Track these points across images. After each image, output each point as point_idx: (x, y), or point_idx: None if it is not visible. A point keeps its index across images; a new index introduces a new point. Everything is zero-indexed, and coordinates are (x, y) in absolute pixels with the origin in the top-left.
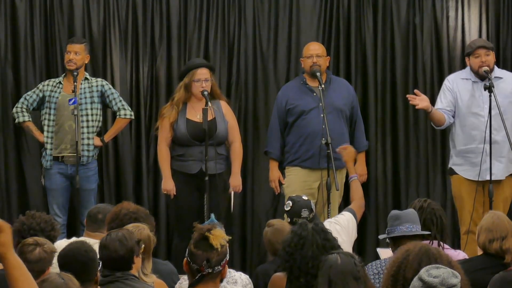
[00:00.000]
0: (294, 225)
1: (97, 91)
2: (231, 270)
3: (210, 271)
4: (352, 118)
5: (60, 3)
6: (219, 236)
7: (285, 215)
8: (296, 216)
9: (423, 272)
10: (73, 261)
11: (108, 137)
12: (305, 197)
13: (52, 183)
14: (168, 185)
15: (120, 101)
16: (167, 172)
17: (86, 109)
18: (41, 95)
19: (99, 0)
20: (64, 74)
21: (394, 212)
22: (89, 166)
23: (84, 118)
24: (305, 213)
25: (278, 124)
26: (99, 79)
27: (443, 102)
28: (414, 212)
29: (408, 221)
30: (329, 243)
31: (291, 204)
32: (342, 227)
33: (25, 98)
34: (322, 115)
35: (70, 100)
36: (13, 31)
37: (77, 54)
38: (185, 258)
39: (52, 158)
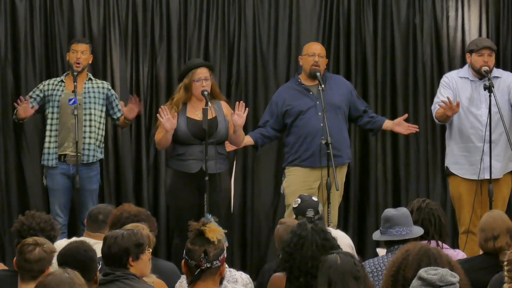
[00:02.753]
0: None
1: (103, 93)
2: (232, 270)
3: (208, 265)
4: (357, 108)
5: (60, 3)
6: (215, 230)
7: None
8: (300, 214)
9: (422, 272)
10: (72, 260)
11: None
12: (315, 198)
13: (54, 183)
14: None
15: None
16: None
17: (90, 108)
18: (41, 95)
19: (99, 0)
20: (66, 72)
21: (386, 213)
22: (92, 167)
23: (88, 117)
24: (310, 213)
25: (269, 118)
26: (104, 82)
27: (444, 95)
28: (405, 213)
29: (398, 224)
30: (328, 243)
31: (299, 202)
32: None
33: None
34: (320, 114)
35: (70, 100)
36: (13, 31)
37: (83, 53)
38: (183, 259)
39: (57, 156)
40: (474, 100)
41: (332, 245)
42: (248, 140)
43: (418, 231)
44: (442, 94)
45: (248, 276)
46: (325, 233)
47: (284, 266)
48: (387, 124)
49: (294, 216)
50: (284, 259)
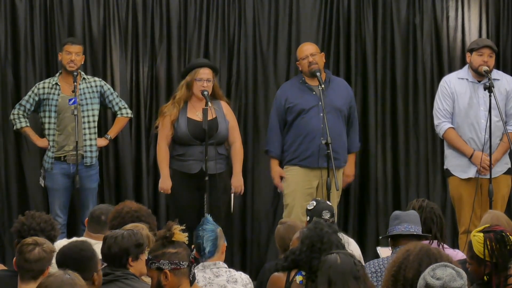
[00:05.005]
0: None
1: (97, 91)
2: (231, 270)
3: (193, 258)
4: (348, 118)
5: (60, 3)
6: (177, 228)
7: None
8: (316, 216)
9: (428, 272)
10: (67, 258)
11: (113, 135)
12: (329, 203)
13: (54, 183)
14: (165, 184)
15: (120, 101)
16: (166, 171)
17: (88, 110)
18: (36, 98)
19: (99, 0)
20: (58, 73)
21: (396, 212)
22: (92, 166)
23: (86, 119)
24: (326, 214)
25: (278, 122)
26: (96, 79)
27: (443, 104)
28: (415, 214)
29: (407, 221)
30: (342, 242)
31: (314, 204)
32: None
33: (21, 104)
34: (321, 114)
35: (70, 100)
36: (13, 31)
37: (78, 55)
38: (169, 270)
39: (54, 160)
40: (473, 102)
41: (343, 245)
42: (276, 163)
43: (425, 232)
44: (443, 102)
45: (248, 276)
46: (338, 231)
47: (310, 265)
48: (348, 163)
49: (308, 218)
50: (314, 257)
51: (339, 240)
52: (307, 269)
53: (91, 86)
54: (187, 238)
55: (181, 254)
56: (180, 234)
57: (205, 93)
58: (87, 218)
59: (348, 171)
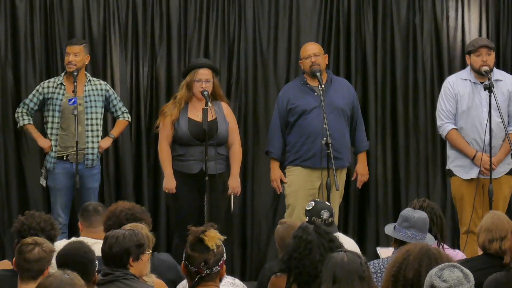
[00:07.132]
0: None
1: (102, 95)
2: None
3: (208, 272)
4: (353, 117)
5: (60, 3)
6: (214, 237)
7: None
8: (315, 216)
9: (436, 272)
10: (72, 261)
11: (116, 135)
12: (328, 203)
13: (56, 183)
14: (170, 184)
15: (123, 105)
16: (169, 171)
17: (92, 112)
18: (41, 98)
19: (99, 0)
20: (64, 72)
21: (407, 213)
22: (94, 165)
23: (89, 121)
24: (325, 214)
25: (279, 123)
26: (102, 82)
27: (446, 105)
28: (424, 219)
29: (415, 227)
30: (334, 244)
31: (313, 204)
32: None
33: (25, 103)
34: (323, 115)
35: (70, 100)
36: (13, 31)
37: (76, 55)
38: (183, 262)
39: (56, 159)
40: (476, 103)
41: (337, 245)
42: (277, 164)
43: (430, 240)
44: (446, 104)
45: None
46: (328, 234)
47: (294, 273)
48: (359, 161)
49: (307, 219)
50: (294, 266)
51: (323, 244)
52: (293, 276)
53: (97, 89)
54: (217, 244)
55: (194, 259)
56: (210, 241)
57: (205, 93)
58: (80, 216)
59: (361, 170)
